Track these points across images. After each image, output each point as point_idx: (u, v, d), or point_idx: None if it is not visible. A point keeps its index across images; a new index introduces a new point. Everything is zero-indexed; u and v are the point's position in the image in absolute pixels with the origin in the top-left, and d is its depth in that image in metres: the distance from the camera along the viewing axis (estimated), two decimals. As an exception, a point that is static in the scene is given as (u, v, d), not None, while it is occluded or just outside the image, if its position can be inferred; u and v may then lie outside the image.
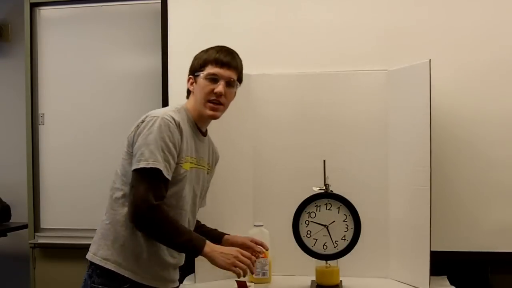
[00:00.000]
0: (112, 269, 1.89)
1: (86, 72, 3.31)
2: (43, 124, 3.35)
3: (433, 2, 2.69)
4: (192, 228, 2.07)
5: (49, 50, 3.35)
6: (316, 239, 2.36)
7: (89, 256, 1.95)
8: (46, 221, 3.34)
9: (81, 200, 3.25)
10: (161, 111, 1.94)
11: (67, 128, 3.30)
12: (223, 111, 2.06)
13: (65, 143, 3.28)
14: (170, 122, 1.88)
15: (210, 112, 2.01)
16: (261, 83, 2.68)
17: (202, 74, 2.02)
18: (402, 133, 2.52)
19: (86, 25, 3.31)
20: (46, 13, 3.37)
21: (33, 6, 3.35)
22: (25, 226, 3.41)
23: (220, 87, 2.00)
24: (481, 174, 2.62)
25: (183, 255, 2.06)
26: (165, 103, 2.84)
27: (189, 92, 2.10)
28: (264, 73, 2.69)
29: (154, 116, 1.90)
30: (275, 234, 2.53)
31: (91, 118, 3.30)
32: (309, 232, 2.37)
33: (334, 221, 2.36)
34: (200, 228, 2.22)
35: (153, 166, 1.82)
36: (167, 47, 2.89)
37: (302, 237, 2.36)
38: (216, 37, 2.76)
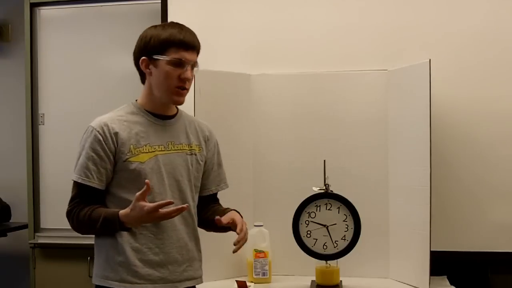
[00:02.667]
0: (102, 284, 1.85)
1: (86, 72, 3.31)
2: (43, 124, 3.35)
3: (433, 2, 2.68)
4: (195, 216, 1.96)
5: (49, 50, 3.35)
6: (316, 239, 2.36)
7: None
8: (46, 221, 3.34)
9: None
10: (96, 120, 1.93)
11: (67, 128, 3.29)
12: (186, 95, 1.92)
13: (65, 143, 3.27)
14: (94, 128, 1.88)
15: (176, 99, 1.87)
16: (261, 83, 2.68)
17: (164, 59, 1.82)
18: (402, 133, 2.52)
19: (86, 25, 3.31)
20: (46, 13, 3.37)
21: (33, 6, 3.36)
22: (25, 226, 3.41)
23: (188, 73, 1.83)
24: (481, 174, 2.62)
25: (188, 250, 1.93)
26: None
27: (143, 75, 1.91)
28: (264, 73, 2.69)
29: (88, 127, 1.91)
30: (275, 234, 2.53)
31: (91, 118, 3.25)
32: (309, 232, 2.37)
33: (334, 221, 2.36)
34: (212, 208, 2.06)
35: (73, 179, 1.88)
36: (167, 47, 2.88)
37: (302, 237, 2.36)
38: (215, 37, 2.78)
